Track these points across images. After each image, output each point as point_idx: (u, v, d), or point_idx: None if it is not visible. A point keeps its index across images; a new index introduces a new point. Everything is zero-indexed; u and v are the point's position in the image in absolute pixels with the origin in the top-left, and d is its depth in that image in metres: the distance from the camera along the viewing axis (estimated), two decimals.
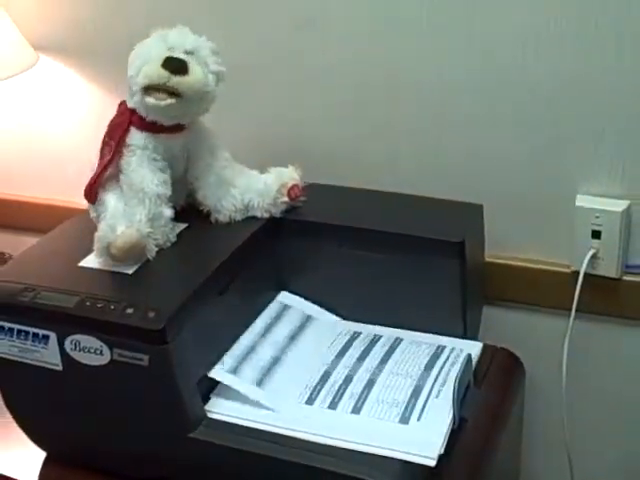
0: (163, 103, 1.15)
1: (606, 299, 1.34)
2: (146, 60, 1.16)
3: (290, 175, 1.24)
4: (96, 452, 1.15)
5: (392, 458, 1.02)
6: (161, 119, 1.18)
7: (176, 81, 1.14)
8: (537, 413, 1.41)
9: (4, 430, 1.23)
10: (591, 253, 1.30)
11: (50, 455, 1.20)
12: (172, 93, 1.15)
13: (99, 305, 1.05)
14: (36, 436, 1.18)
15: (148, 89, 1.15)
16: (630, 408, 1.39)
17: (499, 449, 1.19)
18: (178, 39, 1.18)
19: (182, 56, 1.16)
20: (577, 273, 1.31)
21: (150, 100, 1.15)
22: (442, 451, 1.02)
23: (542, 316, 1.39)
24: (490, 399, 1.20)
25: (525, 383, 1.34)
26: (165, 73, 1.14)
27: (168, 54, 1.16)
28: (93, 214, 1.20)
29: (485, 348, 1.23)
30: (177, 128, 1.20)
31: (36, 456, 1.20)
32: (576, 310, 1.32)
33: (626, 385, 1.38)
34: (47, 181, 1.68)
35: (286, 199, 1.23)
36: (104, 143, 1.20)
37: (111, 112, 1.23)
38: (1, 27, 1.47)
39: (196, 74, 1.16)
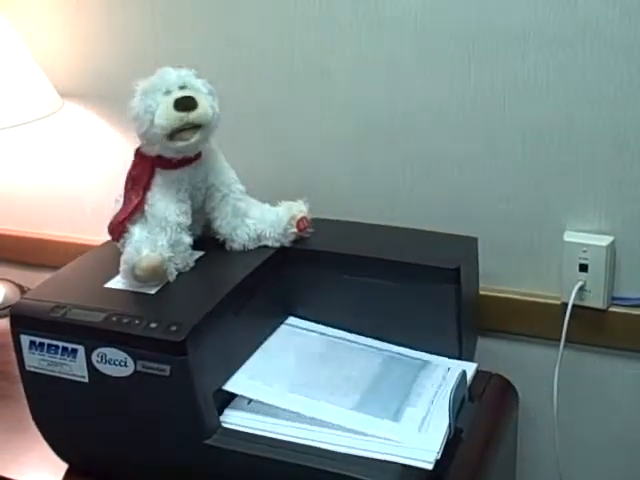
0: (192, 140, 1.21)
1: (594, 329, 1.38)
2: (151, 112, 1.20)
3: (299, 208, 1.31)
4: (114, 461, 1.19)
5: (392, 462, 1.07)
6: (190, 152, 1.24)
7: (194, 116, 1.20)
8: (530, 439, 1.45)
9: (26, 443, 1.27)
10: (579, 285, 1.34)
11: (71, 467, 1.23)
12: (194, 127, 1.21)
13: (125, 320, 1.11)
14: (59, 447, 1.22)
15: (171, 134, 1.20)
16: (618, 433, 1.43)
17: (495, 462, 1.23)
18: (168, 81, 1.22)
19: (185, 93, 1.21)
20: (566, 305, 1.35)
21: (180, 143, 1.21)
22: (439, 457, 1.07)
23: (533, 346, 1.43)
24: (485, 414, 1.26)
25: (518, 407, 1.38)
26: (181, 114, 1.19)
27: (171, 98, 1.20)
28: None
29: (480, 373, 1.27)
30: (197, 156, 1.26)
31: (57, 468, 1.24)
32: (565, 340, 1.36)
33: (614, 411, 1.42)
34: (67, 220, 1.73)
35: (295, 230, 1.29)
36: (128, 190, 1.25)
37: (129, 154, 1.27)
38: (31, 76, 1.56)
39: (203, 102, 1.21)
